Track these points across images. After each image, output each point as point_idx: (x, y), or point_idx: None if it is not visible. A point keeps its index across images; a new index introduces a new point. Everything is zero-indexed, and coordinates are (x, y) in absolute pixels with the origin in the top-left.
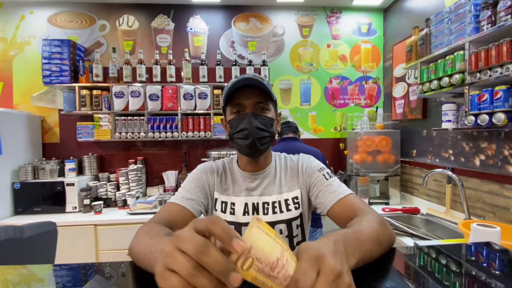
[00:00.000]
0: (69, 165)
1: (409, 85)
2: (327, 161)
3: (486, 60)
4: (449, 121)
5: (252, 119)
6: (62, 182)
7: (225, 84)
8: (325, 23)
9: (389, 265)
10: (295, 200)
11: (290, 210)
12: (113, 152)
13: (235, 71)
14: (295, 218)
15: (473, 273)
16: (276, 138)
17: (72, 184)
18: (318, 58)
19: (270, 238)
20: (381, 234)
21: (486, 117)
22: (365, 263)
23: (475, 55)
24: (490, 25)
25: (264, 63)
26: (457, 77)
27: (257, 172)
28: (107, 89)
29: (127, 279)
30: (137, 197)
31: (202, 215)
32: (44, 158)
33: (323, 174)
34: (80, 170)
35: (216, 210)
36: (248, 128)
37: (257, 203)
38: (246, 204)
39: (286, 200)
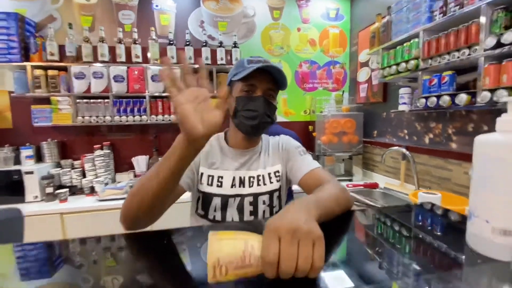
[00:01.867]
0: (26, 152)
1: (372, 70)
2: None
3: (437, 47)
4: (405, 103)
5: (263, 103)
6: (19, 171)
7: (195, 66)
8: (295, 6)
9: (348, 223)
10: (277, 174)
11: (272, 182)
12: (76, 138)
13: (206, 52)
14: (275, 190)
15: (407, 220)
16: None
17: (31, 172)
18: (289, 42)
19: (230, 240)
20: (340, 197)
21: (435, 99)
22: (327, 217)
23: (428, 43)
24: (442, 15)
25: (235, 45)
26: (412, 63)
27: (247, 150)
28: (65, 69)
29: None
30: (106, 184)
31: (189, 187)
32: None
33: (299, 151)
34: (38, 157)
35: (202, 183)
36: (258, 111)
37: (244, 177)
38: (234, 178)
39: (269, 174)
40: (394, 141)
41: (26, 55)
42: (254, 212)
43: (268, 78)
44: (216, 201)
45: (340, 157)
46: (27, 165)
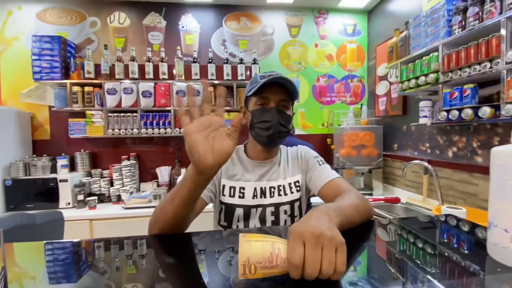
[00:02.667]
0: (61, 161)
1: (390, 83)
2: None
3: (457, 61)
4: (426, 116)
5: (276, 114)
6: (55, 179)
7: (216, 82)
8: (313, 23)
9: (369, 232)
10: (297, 184)
11: (293, 192)
12: (105, 149)
13: (227, 69)
14: (296, 200)
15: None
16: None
17: (65, 180)
18: (306, 57)
19: (259, 242)
20: (360, 206)
21: (456, 112)
22: (348, 225)
23: (448, 57)
24: (460, 29)
25: (254, 61)
26: (432, 76)
27: (266, 161)
28: (99, 85)
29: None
30: (131, 193)
31: (211, 200)
32: (34, 155)
33: (317, 161)
34: (72, 167)
35: (224, 195)
36: (271, 121)
37: (265, 187)
38: (255, 189)
39: (289, 184)
40: (415, 155)
41: (66, 74)
42: (275, 222)
43: (280, 90)
44: (239, 212)
45: (359, 171)
46: (62, 173)
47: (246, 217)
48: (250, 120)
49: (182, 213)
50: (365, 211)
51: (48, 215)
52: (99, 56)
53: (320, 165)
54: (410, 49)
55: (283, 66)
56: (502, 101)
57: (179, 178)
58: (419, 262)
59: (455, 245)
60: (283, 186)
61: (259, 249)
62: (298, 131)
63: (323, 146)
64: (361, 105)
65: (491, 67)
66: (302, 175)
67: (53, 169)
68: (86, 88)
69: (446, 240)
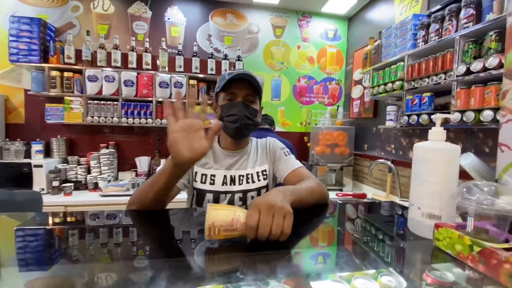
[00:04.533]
0: (36, 146)
1: (364, 87)
2: (295, 153)
3: (418, 71)
4: (391, 120)
5: (242, 107)
6: (29, 164)
7: (200, 75)
8: (297, 25)
9: (323, 213)
10: (264, 173)
11: (260, 180)
12: (83, 136)
13: (211, 64)
14: (263, 187)
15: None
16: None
17: (40, 166)
18: (289, 58)
19: (223, 210)
20: (315, 190)
21: (415, 117)
22: (301, 205)
23: (411, 67)
24: (423, 43)
25: (239, 58)
26: (397, 83)
27: (236, 151)
28: (80, 71)
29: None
30: (109, 181)
31: (185, 186)
32: (7, 139)
33: (284, 152)
34: (47, 153)
35: (196, 181)
36: (238, 114)
37: (234, 176)
38: (225, 176)
39: (257, 173)
40: (382, 155)
41: (45, 57)
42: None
43: (246, 86)
44: (209, 197)
45: (332, 168)
46: (37, 159)
47: (216, 201)
48: (220, 114)
49: (159, 197)
50: (319, 194)
51: (27, 194)
52: (81, 41)
53: (286, 155)
54: (382, 57)
55: (266, 65)
56: (451, 109)
57: (159, 168)
58: (352, 232)
59: (386, 221)
60: (251, 174)
61: (222, 216)
62: (278, 128)
63: (301, 143)
64: (338, 106)
65: (445, 79)
66: (270, 164)
67: (27, 154)
68: (66, 74)
69: (379, 217)
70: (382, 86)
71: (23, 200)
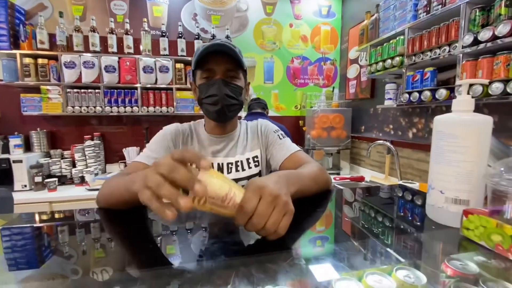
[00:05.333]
0: (14, 141)
1: (361, 66)
2: (291, 138)
3: (420, 45)
4: (390, 99)
5: (222, 86)
6: (8, 159)
7: (188, 58)
8: (288, 2)
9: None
10: (255, 159)
11: (251, 168)
12: (66, 128)
13: (198, 45)
14: (255, 175)
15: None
16: (243, 112)
17: (20, 161)
18: (281, 37)
19: (218, 180)
20: (318, 176)
21: (417, 94)
22: (304, 194)
23: (412, 40)
24: (425, 13)
25: (228, 39)
26: (397, 59)
27: (223, 135)
28: (55, 58)
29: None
30: (96, 174)
31: None
32: None
33: (278, 135)
34: (27, 147)
35: None
36: (218, 95)
37: (222, 163)
38: (211, 164)
39: (247, 159)
40: (380, 136)
41: (15, 43)
42: None
43: (224, 60)
44: None
45: (328, 151)
46: (16, 154)
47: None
48: (198, 96)
49: (120, 204)
50: (322, 181)
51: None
52: (54, 24)
53: (280, 139)
54: (379, 32)
55: (258, 45)
56: (457, 84)
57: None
58: (364, 223)
59: (399, 208)
60: (241, 161)
61: (216, 186)
62: (272, 113)
63: (296, 128)
64: (333, 88)
65: (449, 51)
66: (262, 149)
67: (5, 149)
68: (40, 60)
69: (389, 203)
70: (380, 63)
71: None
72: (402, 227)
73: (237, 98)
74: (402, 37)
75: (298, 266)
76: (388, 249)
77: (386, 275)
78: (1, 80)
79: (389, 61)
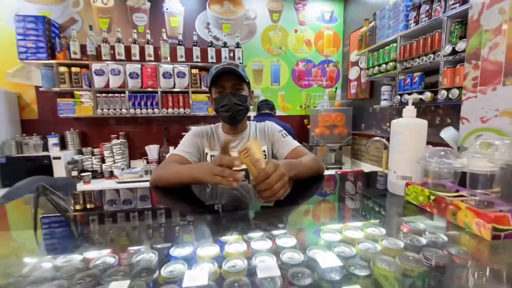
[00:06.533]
0: (52, 140)
1: (361, 69)
2: (295, 136)
3: (410, 52)
4: (386, 99)
5: (231, 97)
6: (48, 156)
7: (201, 64)
8: (293, 9)
9: (320, 182)
10: (263, 153)
11: None
12: (95, 128)
13: (211, 52)
14: None
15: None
16: (253, 112)
17: (59, 158)
18: (287, 42)
19: (257, 150)
20: (313, 164)
21: (406, 96)
22: (302, 177)
23: (403, 48)
24: (415, 24)
25: (237, 45)
26: (391, 64)
27: (236, 134)
28: (86, 66)
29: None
30: (122, 169)
31: None
32: (24, 134)
33: (282, 134)
34: (62, 145)
35: (206, 160)
36: (228, 104)
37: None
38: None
39: None
40: (379, 133)
41: (52, 54)
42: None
43: (231, 77)
44: None
45: (331, 148)
46: (54, 151)
47: None
48: (214, 106)
49: (181, 184)
50: (316, 168)
51: (65, 179)
52: (84, 36)
53: (284, 137)
54: (376, 38)
55: (265, 50)
56: (439, 87)
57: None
58: (343, 195)
59: (371, 186)
60: None
61: (255, 151)
62: (278, 113)
63: (301, 126)
64: (336, 88)
65: (434, 58)
66: (268, 145)
67: (45, 147)
68: (73, 69)
69: (366, 183)
70: (376, 67)
71: (62, 184)
72: (369, 196)
73: (243, 105)
74: (395, 44)
75: (296, 219)
76: (360, 211)
77: (359, 229)
78: (41, 87)
79: (384, 65)
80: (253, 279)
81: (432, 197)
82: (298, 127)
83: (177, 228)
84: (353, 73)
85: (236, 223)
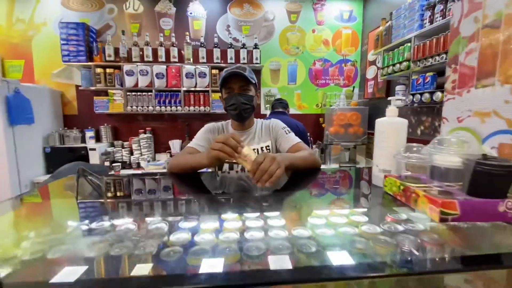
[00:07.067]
0: (89, 133)
1: (378, 68)
2: (308, 133)
3: (423, 52)
4: (400, 99)
5: (238, 97)
6: (86, 147)
7: (221, 65)
8: (311, 10)
9: (317, 175)
10: (267, 147)
11: None
12: (125, 123)
13: (230, 53)
14: None
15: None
16: (267, 110)
17: (94, 149)
18: (304, 42)
19: (248, 149)
20: (307, 157)
21: (419, 96)
22: (296, 168)
23: (417, 47)
24: (429, 23)
25: (256, 46)
26: (404, 64)
27: (244, 131)
28: (119, 67)
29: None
30: (148, 161)
31: None
32: (66, 128)
33: (285, 131)
34: (97, 138)
35: None
36: (236, 103)
37: None
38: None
39: (261, 148)
40: None
41: (90, 57)
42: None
43: (239, 79)
44: (226, 166)
45: (345, 146)
46: (90, 143)
47: (231, 168)
48: (224, 105)
49: (195, 170)
50: (311, 161)
51: (100, 166)
52: (117, 40)
53: (286, 134)
54: (392, 38)
55: (282, 51)
56: None
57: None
58: (336, 186)
59: (360, 179)
60: (257, 149)
61: (246, 149)
62: (294, 111)
63: (317, 125)
64: (353, 87)
65: (446, 58)
66: (272, 140)
67: (82, 140)
68: (108, 70)
69: (357, 177)
70: (391, 67)
71: (97, 170)
72: (356, 187)
73: (249, 104)
74: (409, 44)
75: (289, 203)
76: (346, 200)
77: (344, 216)
78: (80, 86)
79: (398, 65)
80: (242, 245)
81: (402, 187)
82: (313, 126)
83: (186, 206)
84: (370, 72)
85: (237, 206)
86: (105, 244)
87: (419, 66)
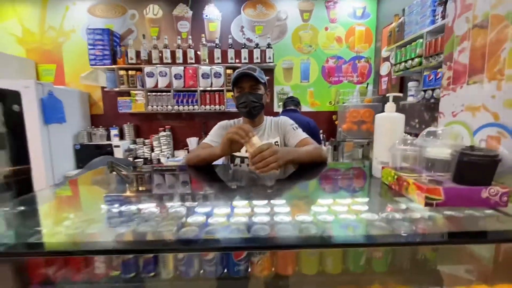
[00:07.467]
0: (114, 131)
1: (392, 64)
2: (320, 130)
3: (435, 48)
4: (412, 95)
5: (248, 96)
6: (111, 145)
7: (236, 65)
8: (324, 8)
9: (322, 168)
10: (276, 143)
11: None
12: (146, 122)
13: (244, 53)
14: None
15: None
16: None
17: (118, 146)
18: (317, 40)
19: (258, 140)
20: (312, 152)
21: (430, 92)
22: (301, 162)
23: (429, 43)
24: (441, 19)
25: (269, 46)
26: (416, 60)
27: (254, 127)
28: (140, 69)
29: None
30: (168, 157)
31: None
32: (93, 126)
33: (292, 127)
34: (121, 136)
35: None
36: (246, 101)
37: None
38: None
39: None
40: (407, 129)
41: (114, 60)
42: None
43: (249, 79)
44: (237, 160)
45: (358, 143)
46: (115, 141)
47: (242, 161)
48: (236, 104)
49: (209, 161)
50: (315, 156)
51: (125, 160)
52: (139, 44)
53: (294, 130)
54: (404, 34)
55: (295, 49)
56: None
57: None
58: (337, 179)
59: (363, 171)
60: None
61: (257, 141)
62: (307, 109)
63: (330, 122)
64: (367, 84)
65: None
66: (281, 136)
67: (108, 137)
68: (130, 72)
69: (361, 169)
70: (403, 64)
71: (126, 164)
72: (358, 178)
73: (259, 102)
74: (421, 40)
75: (295, 192)
76: (349, 190)
77: (345, 205)
78: (105, 87)
79: (410, 61)
80: (249, 228)
81: (396, 177)
82: (327, 123)
83: (202, 194)
84: (384, 68)
85: (248, 194)
86: (133, 223)
87: (431, 62)
